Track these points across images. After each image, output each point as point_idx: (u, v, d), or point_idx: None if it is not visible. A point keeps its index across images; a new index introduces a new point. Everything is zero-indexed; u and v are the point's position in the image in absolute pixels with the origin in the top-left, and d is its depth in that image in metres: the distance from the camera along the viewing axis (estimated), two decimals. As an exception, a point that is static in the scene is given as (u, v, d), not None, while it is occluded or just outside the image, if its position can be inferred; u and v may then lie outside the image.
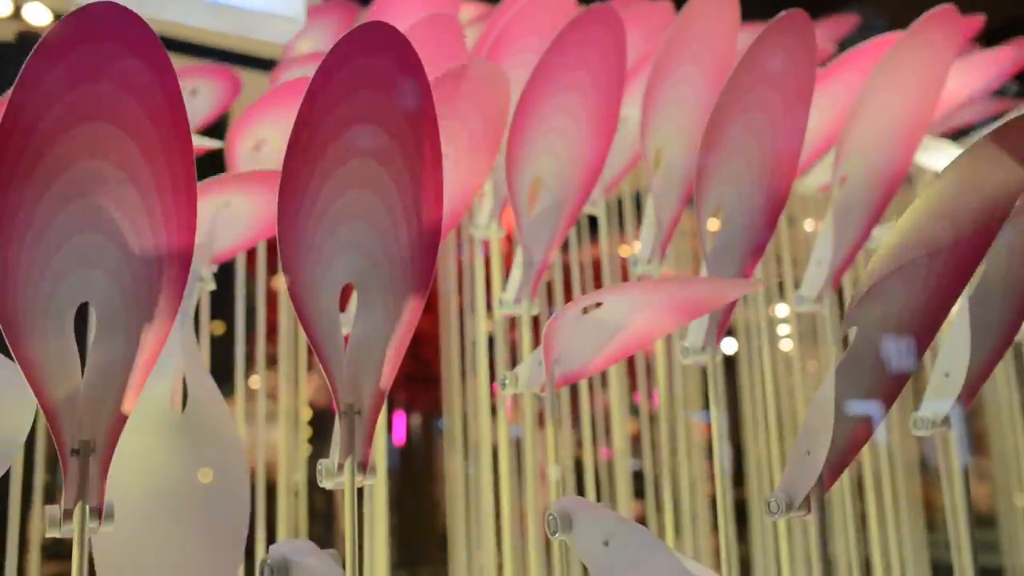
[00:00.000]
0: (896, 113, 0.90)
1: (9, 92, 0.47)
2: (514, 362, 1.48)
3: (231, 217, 0.86)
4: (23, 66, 0.47)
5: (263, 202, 0.84)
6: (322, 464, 0.59)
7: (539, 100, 0.81)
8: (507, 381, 0.76)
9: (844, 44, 1.76)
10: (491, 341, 1.26)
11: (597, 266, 2.33)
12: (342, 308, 0.60)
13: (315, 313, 0.58)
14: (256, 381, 1.51)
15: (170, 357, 0.66)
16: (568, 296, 2.02)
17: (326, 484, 0.59)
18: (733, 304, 0.82)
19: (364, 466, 0.59)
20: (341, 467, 0.58)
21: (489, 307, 1.31)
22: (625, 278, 2.30)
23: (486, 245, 1.18)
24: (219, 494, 0.62)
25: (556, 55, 0.80)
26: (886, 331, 0.61)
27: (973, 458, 2.11)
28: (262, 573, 0.50)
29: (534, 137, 0.83)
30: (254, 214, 0.86)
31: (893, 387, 0.62)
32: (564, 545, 0.63)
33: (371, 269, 0.59)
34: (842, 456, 0.63)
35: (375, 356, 0.60)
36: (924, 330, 0.61)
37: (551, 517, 0.60)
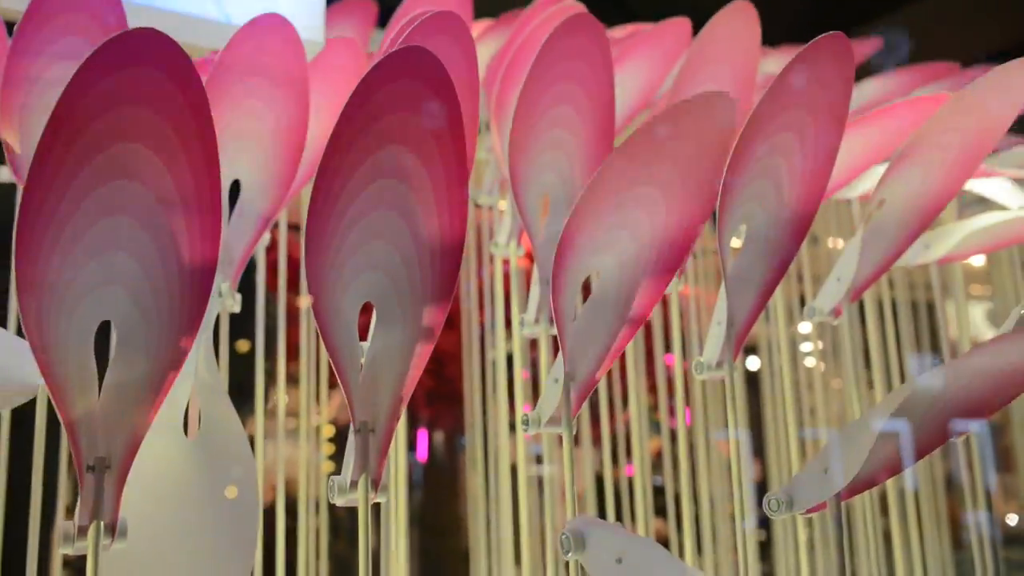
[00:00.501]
0: (952, 150, 0.89)
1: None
2: (535, 381, 1.48)
3: (241, 212, 0.87)
4: (64, 88, 0.48)
5: (267, 174, 0.86)
6: (334, 480, 0.59)
7: (533, 116, 0.80)
8: (530, 421, 0.74)
9: (868, 66, 1.76)
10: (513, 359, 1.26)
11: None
12: (363, 327, 0.60)
13: (336, 330, 0.58)
14: (280, 398, 1.52)
15: (186, 375, 0.67)
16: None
17: (337, 501, 0.59)
18: (752, 320, 0.81)
19: (376, 483, 0.59)
20: (354, 484, 0.59)
21: (509, 325, 1.31)
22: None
23: (506, 263, 1.18)
24: (230, 512, 0.63)
25: (542, 69, 0.79)
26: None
27: (1000, 475, 2.09)
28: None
29: (534, 154, 0.82)
30: (262, 194, 0.87)
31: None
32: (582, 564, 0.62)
33: (391, 287, 0.60)
34: (870, 477, 0.63)
35: (392, 374, 0.60)
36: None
37: (564, 537, 0.60)
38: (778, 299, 1.31)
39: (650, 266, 0.67)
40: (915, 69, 1.64)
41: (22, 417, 0.93)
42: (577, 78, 0.81)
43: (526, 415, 0.73)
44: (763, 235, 0.78)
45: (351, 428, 0.59)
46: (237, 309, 0.91)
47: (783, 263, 0.79)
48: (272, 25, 0.81)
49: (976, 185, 1.22)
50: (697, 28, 0.92)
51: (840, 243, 1.92)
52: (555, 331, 0.89)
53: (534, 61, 0.79)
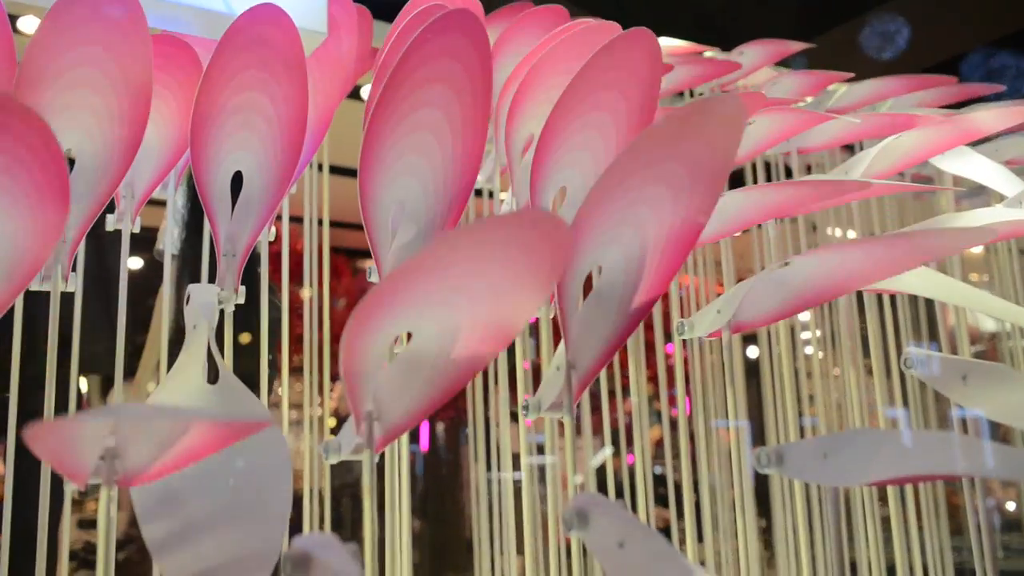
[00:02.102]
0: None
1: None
2: (536, 371, 1.50)
3: (244, 203, 0.88)
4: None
5: (270, 165, 0.87)
6: (328, 442, 0.65)
7: (568, 118, 0.79)
8: (529, 407, 0.75)
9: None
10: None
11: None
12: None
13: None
14: (284, 389, 1.53)
15: (197, 358, 0.69)
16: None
17: (331, 460, 0.64)
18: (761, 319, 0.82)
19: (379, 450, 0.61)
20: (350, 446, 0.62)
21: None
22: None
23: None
24: (256, 447, 0.63)
25: (589, 76, 0.77)
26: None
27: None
28: (284, 567, 0.50)
29: (561, 151, 0.82)
30: (265, 184, 0.88)
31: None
32: (584, 551, 0.63)
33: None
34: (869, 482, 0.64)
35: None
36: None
37: (567, 514, 0.61)
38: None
39: (654, 262, 0.66)
40: (910, 77, 1.67)
41: (31, 408, 0.94)
42: (616, 85, 0.79)
43: (526, 401, 0.74)
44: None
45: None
46: (241, 300, 0.92)
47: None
48: (268, 15, 0.82)
49: (974, 173, 1.23)
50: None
51: (839, 232, 1.93)
52: (554, 313, 0.91)
53: (583, 69, 0.78)
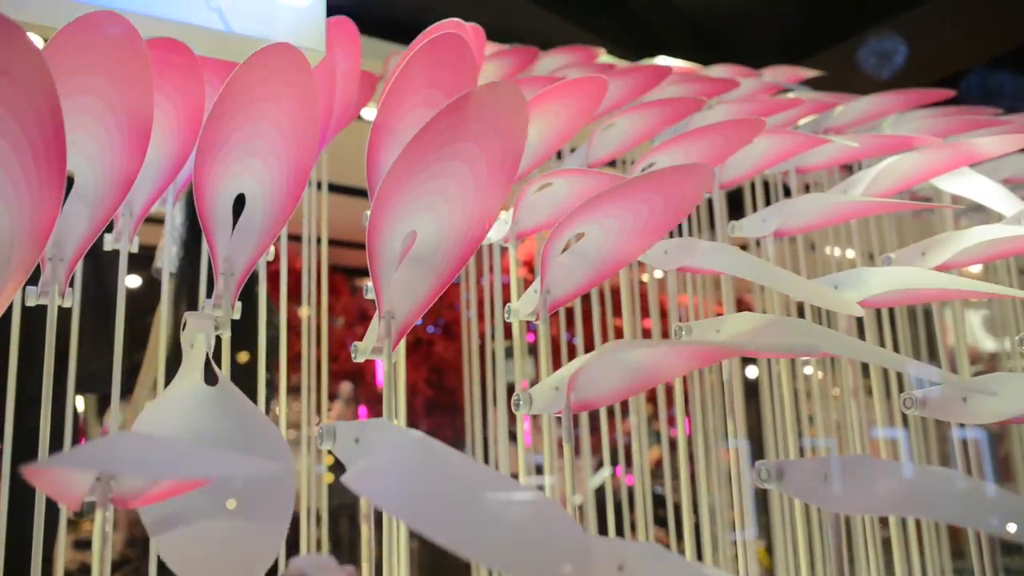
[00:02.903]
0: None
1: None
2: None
3: (244, 226, 0.89)
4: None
5: (274, 190, 0.88)
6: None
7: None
8: (521, 401, 0.77)
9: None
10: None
11: (616, 292, 2.33)
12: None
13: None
14: (282, 408, 1.53)
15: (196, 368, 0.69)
16: (587, 321, 2.02)
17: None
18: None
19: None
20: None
21: (509, 334, 1.31)
22: (644, 303, 2.30)
23: (505, 273, 1.19)
24: (258, 439, 0.64)
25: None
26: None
27: (999, 483, 2.09)
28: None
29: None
30: (268, 209, 0.88)
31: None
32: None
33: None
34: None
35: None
36: None
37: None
38: (776, 307, 1.31)
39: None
40: (908, 92, 1.68)
41: (26, 426, 0.93)
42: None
43: (518, 395, 0.80)
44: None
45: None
46: (237, 316, 0.92)
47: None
48: (280, 51, 0.82)
49: (973, 192, 1.23)
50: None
51: (837, 251, 1.92)
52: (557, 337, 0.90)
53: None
